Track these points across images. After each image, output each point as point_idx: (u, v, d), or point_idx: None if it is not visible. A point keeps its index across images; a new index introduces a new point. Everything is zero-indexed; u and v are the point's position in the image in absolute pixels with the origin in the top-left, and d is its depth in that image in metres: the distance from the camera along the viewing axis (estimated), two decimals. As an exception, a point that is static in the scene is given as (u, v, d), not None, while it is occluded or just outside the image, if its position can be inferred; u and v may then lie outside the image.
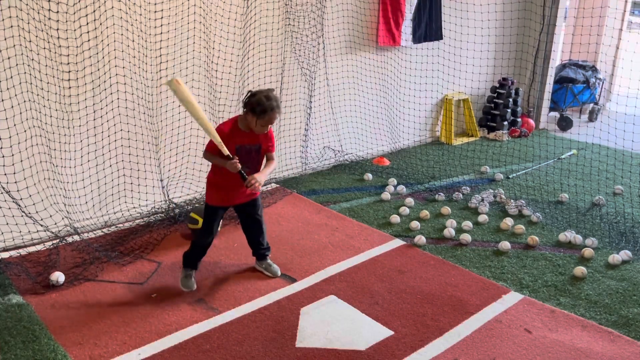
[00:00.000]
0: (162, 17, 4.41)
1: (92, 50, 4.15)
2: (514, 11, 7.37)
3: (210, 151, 3.46)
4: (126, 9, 4.22)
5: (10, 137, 3.88)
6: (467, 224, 4.64)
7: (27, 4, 3.74)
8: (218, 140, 3.32)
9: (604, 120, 8.04)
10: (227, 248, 4.18)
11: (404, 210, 4.93)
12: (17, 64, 3.81)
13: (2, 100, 3.80)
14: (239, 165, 3.34)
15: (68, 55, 4.03)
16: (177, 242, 4.31)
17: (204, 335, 3.20)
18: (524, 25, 7.63)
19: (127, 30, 4.27)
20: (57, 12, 3.89)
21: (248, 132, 3.45)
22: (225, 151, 3.33)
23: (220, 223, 3.65)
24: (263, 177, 3.46)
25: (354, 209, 5.02)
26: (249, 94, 3.39)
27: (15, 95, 3.84)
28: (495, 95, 7.55)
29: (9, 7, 3.68)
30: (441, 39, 6.67)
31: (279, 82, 5.36)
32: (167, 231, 4.46)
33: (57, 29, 3.92)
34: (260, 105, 3.30)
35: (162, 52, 4.51)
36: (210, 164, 3.61)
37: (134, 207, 4.68)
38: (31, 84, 3.90)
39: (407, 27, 6.30)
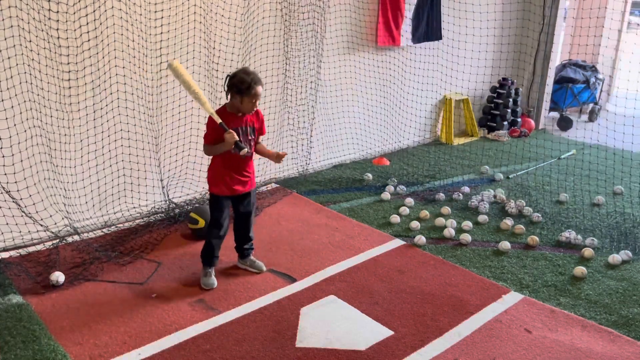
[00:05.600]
0: (162, 17, 4.41)
1: (92, 50, 4.15)
2: (514, 11, 7.37)
3: (208, 143, 3.52)
4: (126, 9, 4.22)
5: (10, 137, 3.88)
6: (467, 224, 4.64)
7: (27, 4, 3.74)
8: (214, 113, 3.42)
9: (604, 120, 8.04)
10: (227, 248, 4.17)
11: (404, 210, 4.93)
12: (17, 64, 3.81)
13: (2, 101, 3.80)
14: (236, 136, 3.42)
15: (68, 55, 4.03)
16: (177, 242, 4.31)
17: (204, 335, 3.20)
18: (524, 26, 7.63)
19: (127, 30, 4.27)
20: (57, 12, 3.89)
21: (239, 115, 3.52)
22: (220, 120, 3.41)
23: (227, 221, 3.72)
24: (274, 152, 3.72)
25: (354, 209, 5.02)
26: (227, 78, 3.46)
27: (16, 95, 3.84)
28: (495, 95, 7.55)
29: (9, 7, 3.68)
30: (440, 39, 6.67)
31: (280, 82, 5.36)
32: (167, 231, 4.46)
33: (57, 29, 3.92)
34: (244, 83, 3.38)
35: (162, 52, 4.51)
36: (210, 158, 3.65)
37: (134, 207, 4.68)
38: (31, 84, 3.90)
39: (406, 27, 6.30)
